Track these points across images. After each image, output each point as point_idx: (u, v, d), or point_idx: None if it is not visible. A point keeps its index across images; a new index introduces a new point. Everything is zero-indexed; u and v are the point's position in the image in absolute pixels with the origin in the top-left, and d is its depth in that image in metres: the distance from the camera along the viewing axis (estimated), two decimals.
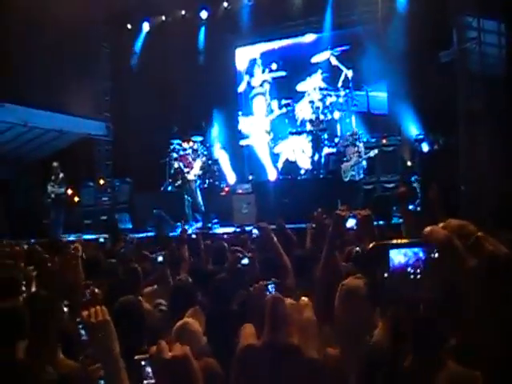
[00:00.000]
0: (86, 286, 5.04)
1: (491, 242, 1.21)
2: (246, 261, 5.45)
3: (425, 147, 13.26)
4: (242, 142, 16.51)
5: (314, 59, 15.53)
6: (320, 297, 3.37)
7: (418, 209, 10.39)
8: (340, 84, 14.81)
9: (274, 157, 15.41)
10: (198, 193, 13.80)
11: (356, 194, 12.49)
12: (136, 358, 2.47)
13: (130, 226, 14.27)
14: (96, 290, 4.74)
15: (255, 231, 6.88)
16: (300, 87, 15.32)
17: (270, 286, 3.83)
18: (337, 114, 14.57)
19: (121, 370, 2.50)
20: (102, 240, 10.85)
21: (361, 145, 12.97)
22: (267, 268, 5.00)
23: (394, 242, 1.43)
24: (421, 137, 13.19)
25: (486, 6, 11.32)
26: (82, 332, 3.52)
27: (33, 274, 5.67)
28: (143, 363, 2.47)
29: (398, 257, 1.41)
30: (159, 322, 4.33)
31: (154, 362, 1.83)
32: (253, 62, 16.76)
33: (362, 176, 12.86)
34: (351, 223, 4.43)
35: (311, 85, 14.95)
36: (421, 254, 1.44)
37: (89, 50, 16.19)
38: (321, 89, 14.76)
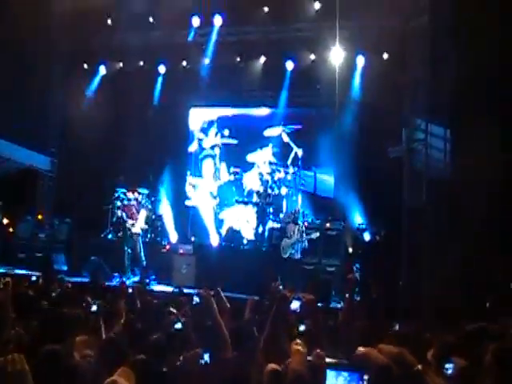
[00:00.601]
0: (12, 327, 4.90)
1: (431, 376, 1.29)
2: (179, 325, 5.36)
3: (367, 237, 13.56)
4: (188, 202, 16.52)
5: (267, 133, 15.78)
6: (259, 375, 3.37)
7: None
8: (289, 161, 15.02)
9: (218, 222, 15.44)
10: (141, 246, 13.60)
11: (294, 272, 12.58)
12: None
13: (65, 268, 13.92)
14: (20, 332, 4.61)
15: (196, 298, 6.80)
16: (250, 158, 15.53)
17: (205, 355, 3.81)
18: (284, 190, 14.87)
19: None
20: (33, 278, 10.53)
21: (301, 224, 13.14)
22: (203, 336, 4.95)
23: (329, 361, 1.52)
24: (363, 226, 13.51)
25: (435, 111, 11.96)
26: None
27: None
28: None
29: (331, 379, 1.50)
30: (86, 376, 4.20)
31: None
32: (209, 124, 16.90)
33: (299, 255, 12.96)
34: (295, 305, 4.47)
35: (261, 157, 15.18)
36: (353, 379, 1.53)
37: (43, 83, 16.02)
38: (270, 163, 15.00)
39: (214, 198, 15.83)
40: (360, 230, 13.39)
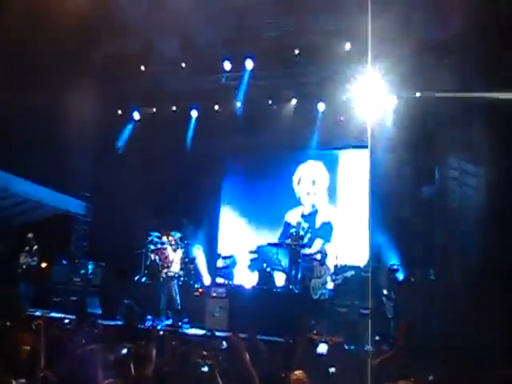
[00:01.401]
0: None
1: None
2: (205, 368, 5.29)
3: (400, 277, 13.38)
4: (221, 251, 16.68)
5: None
6: None
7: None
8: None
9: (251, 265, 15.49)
10: (177, 290, 13.55)
11: (327, 313, 12.43)
12: None
13: (99, 312, 13.98)
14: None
15: (224, 343, 6.74)
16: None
17: None
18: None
19: None
20: (66, 321, 10.59)
21: (328, 264, 13.06)
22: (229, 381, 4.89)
23: None
24: (395, 267, 13.31)
25: (468, 149, 11.83)
26: None
27: None
28: None
29: None
30: None
31: None
32: None
33: (328, 295, 12.83)
34: (322, 349, 4.39)
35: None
36: None
37: (76, 130, 16.33)
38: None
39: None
40: (393, 270, 13.20)
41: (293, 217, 15.90)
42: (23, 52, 13.25)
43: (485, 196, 11.61)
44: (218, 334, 9.71)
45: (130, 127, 17.47)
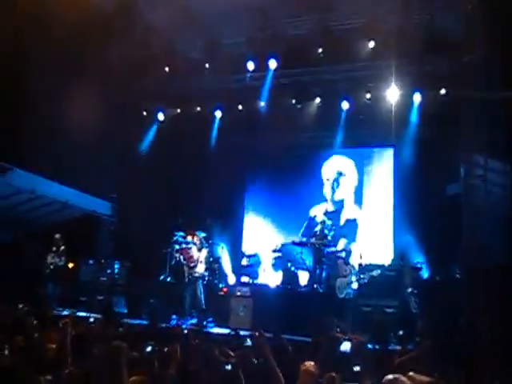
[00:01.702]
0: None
1: None
2: (229, 366, 5.31)
3: (424, 275, 13.30)
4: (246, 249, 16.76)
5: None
6: None
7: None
8: None
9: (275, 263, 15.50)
10: (202, 290, 13.59)
11: (351, 313, 12.38)
12: None
13: (125, 311, 14.09)
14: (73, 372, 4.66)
15: (248, 341, 6.75)
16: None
17: None
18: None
19: None
20: (91, 320, 10.69)
21: (353, 263, 13.00)
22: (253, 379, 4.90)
23: None
24: (419, 265, 13.22)
25: (493, 147, 11.70)
26: None
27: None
28: None
29: None
30: None
31: None
32: None
33: (354, 295, 12.78)
34: (346, 346, 4.38)
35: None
36: None
37: (104, 131, 16.47)
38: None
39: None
40: (416, 268, 13.10)
41: (317, 213, 15.86)
42: (47, 53, 13.44)
43: (511, 193, 11.49)
44: (242, 333, 9.72)
45: (154, 128, 17.51)
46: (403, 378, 3.00)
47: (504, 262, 11.11)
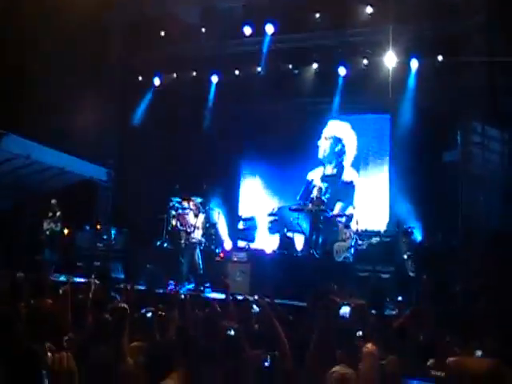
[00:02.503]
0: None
1: None
2: (232, 332, 5.34)
3: (418, 240, 13.36)
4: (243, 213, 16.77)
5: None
6: (310, 379, 3.35)
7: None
8: None
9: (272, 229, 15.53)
10: (199, 255, 13.66)
11: (348, 278, 12.47)
12: None
13: (122, 276, 14.13)
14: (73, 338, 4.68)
15: (255, 307, 6.77)
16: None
17: (267, 359, 3.76)
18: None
19: None
20: (92, 286, 10.70)
21: (353, 227, 13.03)
22: (259, 343, 4.95)
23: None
24: (410, 230, 13.23)
25: (491, 114, 11.69)
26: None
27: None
28: None
29: None
30: (138, 381, 4.23)
31: None
32: None
33: (351, 259, 12.85)
34: (345, 310, 4.41)
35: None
36: None
37: (98, 96, 16.37)
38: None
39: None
40: (407, 233, 13.11)
41: (314, 177, 15.84)
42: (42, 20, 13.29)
43: (508, 161, 11.50)
44: (239, 297, 9.77)
45: (150, 93, 17.35)
46: (347, 371, 3.02)
47: (500, 228, 11.18)
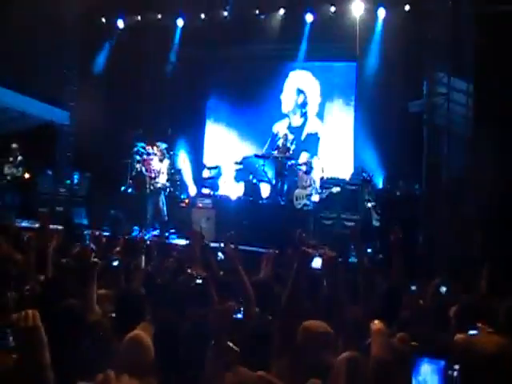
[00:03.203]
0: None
1: None
2: (199, 280, 5.36)
3: (379, 186, 13.53)
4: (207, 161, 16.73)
5: None
6: (281, 333, 3.37)
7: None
8: None
9: (237, 176, 15.53)
10: (164, 201, 13.62)
11: (312, 225, 12.61)
12: None
13: (86, 222, 14.02)
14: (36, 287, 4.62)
15: (220, 255, 6.80)
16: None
17: (240, 311, 3.78)
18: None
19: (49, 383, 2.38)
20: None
21: (314, 175, 13.09)
22: (225, 291, 4.99)
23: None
24: (368, 178, 13.35)
25: (458, 65, 11.75)
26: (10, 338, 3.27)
27: None
28: None
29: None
30: (106, 331, 4.21)
31: None
32: None
33: (313, 207, 12.94)
34: (317, 263, 4.43)
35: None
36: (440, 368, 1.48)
37: (60, 37, 15.91)
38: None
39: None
40: (366, 180, 13.21)
41: (280, 128, 15.78)
42: None
43: (472, 113, 11.61)
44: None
45: (114, 37, 16.86)
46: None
47: (463, 176, 11.39)
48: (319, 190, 12.87)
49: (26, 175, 14.77)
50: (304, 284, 3.98)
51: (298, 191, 13.09)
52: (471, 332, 3.45)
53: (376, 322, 2.28)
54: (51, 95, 15.88)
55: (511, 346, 1.96)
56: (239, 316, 3.74)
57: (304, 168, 13.57)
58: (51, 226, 7.05)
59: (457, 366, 1.88)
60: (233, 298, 4.73)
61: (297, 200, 12.95)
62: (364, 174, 13.35)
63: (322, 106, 16.10)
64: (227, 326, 3.40)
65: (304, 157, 14.30)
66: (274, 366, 3.23)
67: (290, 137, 14.69)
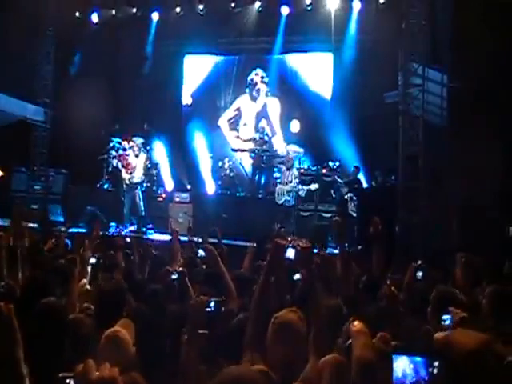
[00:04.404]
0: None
1: None
2: (175, 276, 5.36)
3: (364, 183, 13.58)
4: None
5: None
6: (254, 324, 3.37)
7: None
8: None
9: (214, 170, 15.46)
10: (141, 196, 13.54)
11: (290, 218, 12.64)
12: (60, 375, 2.23)
13: (62, 219, 13.89)
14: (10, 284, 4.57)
15: (201, 252, 6.79)
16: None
17: (211, 303, 3.79)
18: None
19: (23, 378, 2.35)
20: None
21: (296, 171, 13.08)
22: (207, 286, 4.99)
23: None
24: (335, 166, 13.43)
25: (433, 56, 11.85)
26: None
27: None
28: (67, 381, 2.20)
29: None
30: (86, 329, 4.18)
31: (80, 381, 1.72)
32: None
33: (294, 202, 12.96)
34: (290, 253, 4.44)
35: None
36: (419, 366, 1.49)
37: (34, 32, 15.74)
38: None
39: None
40: (334, 170, 13.33)
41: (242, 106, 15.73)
42: None
43: (447, 103, 11.71)
44: (182, 238, 9.76)
45: (88, 31, 16.70)
46: (293, 315, 3.07)
47: (438, 165, 11.50)
48: (299, 187, 12.84)
49: (0, 173, 14.57)
50: (282, 275, 4.00)
51: (279, 187, 13.05)
52: (444, 317, 3.50)
53: (356, 323, 2.27)
54: (25, 92, 15.70)
55: (492, 342, 1.97)
56: (209, 309, 3.75)
57: (287, 165, 13.45)
58: (24, 224, 6.89)
59: (436, 363, 1.88)
60: (215, 292, 4.73)
61: (278, 196, 12.95)
62: (331, 163, 13.44)
63: (299, 99, 15.98)
64: (201, 319, 3.42)
65: (290, 150, 14.18)
66: (246, 358, 3.23)
67: (267, 129, 14.67)
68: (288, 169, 13.08)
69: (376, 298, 4.61)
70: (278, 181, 13.25)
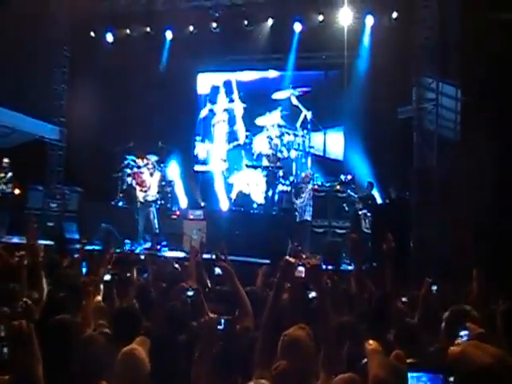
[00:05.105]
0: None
1: None
2: (190, 293, 5.35)
3: (377, 198, 13.54)
4: (197, 168, 16.59)
5: (275, 96, 15.76)
6: (264, 341, 3.38)
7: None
8: (299, 124, 15.15)
9: (228, 187, 15.46)
10: (155, 214, 13.60)
11: (304, 235, 12.61)
12: None
13: (77, 237, 13.95)
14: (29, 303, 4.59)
15: (218, 270, 6.79)
16: (259, 121, 15.49)
17: (222, 321, 3.80)
18: (293, 153, 14.87)
19: None
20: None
21: (310, 186, 13.05)
22: (221, 303, 4.99)
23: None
24: (347, 180, 13.39)
25: (446, 70, 11.85)
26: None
27: None
28: None
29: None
30: (101, 347, 4.18)
31: None
32: (216, 89, 16.93)
33: (309, 218, 12.91)
34: (300, 272, 4.43)
35: (270, 121, 15.13)
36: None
37: (49, 52, 16.01)
38: (279, 126, 14.99)
39: (224, 161, 15.84)
40: (345, 183, 13.28)
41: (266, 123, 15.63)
42: None
43: (460, 117, 11.70)
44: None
45: (103, 50, 16.90)
46: (301, 333, 3.07)
47: (452, 180, 11.46)
48: (310, 203, 12.78)
49: (17, 191, 14.70)
50: (297, 293, 4.01)
51: (299, 203, 13.01)
52: (462, 333, 3.48)
53: (371, 341, 2.28)
54: (41, 111, 15.87)
55: (506, 356, 1.96)
56: (220, 327, 3.76)
57: (307, 179, 13.35)
58: (39, 242, 6.94)
59: (452, 379, 1.89)
60: (229, 310, 4.74)
61: (298, 212, 12.93)
62: (342, 177, 13.41)
63: (313, 115, 15.92)
64: (212, 337, 3.44)
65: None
66: (256, 375, 3.24)
67: (278, 142, 14.61)
68: (303, 186, 13.05)
69: (387, 313, 4.59)
70: (299, 198, 13.16)
